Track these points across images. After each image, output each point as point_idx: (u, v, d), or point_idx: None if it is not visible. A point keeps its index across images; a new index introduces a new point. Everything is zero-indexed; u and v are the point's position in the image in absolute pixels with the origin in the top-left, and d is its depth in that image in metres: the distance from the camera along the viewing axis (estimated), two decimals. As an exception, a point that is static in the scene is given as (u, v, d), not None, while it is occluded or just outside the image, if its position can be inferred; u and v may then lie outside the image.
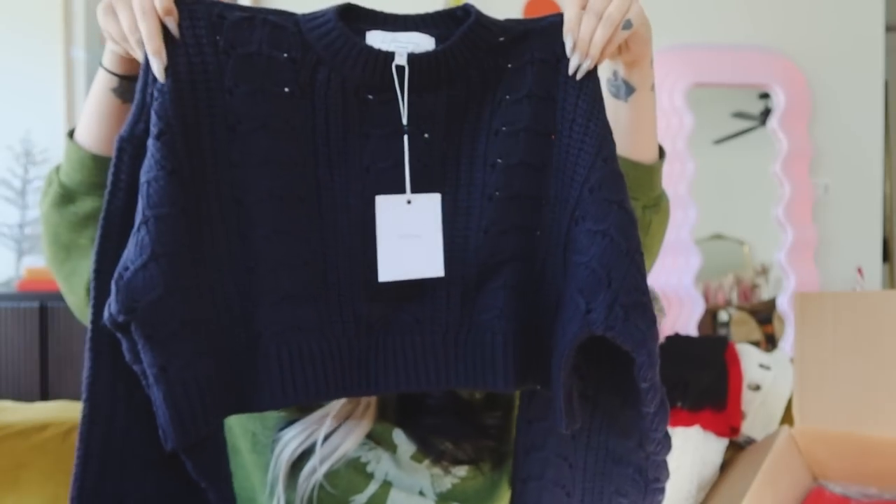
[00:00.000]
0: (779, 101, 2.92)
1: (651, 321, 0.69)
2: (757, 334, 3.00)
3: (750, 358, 1.73)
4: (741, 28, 3.03)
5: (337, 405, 0.87)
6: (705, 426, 1.43)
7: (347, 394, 0.77)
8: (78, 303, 0.83)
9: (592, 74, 0.75)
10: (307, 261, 0.71)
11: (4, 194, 2.53)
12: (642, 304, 0.68)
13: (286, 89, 0.69)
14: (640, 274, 0.68)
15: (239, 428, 0.90)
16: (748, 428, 1.47)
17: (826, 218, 3.06)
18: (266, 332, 0.70)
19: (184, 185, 0.65)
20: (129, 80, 0.74)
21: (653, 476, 0.75)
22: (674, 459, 1.39)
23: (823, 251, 3.02)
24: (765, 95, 3.03)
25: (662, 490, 0.76)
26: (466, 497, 0.89)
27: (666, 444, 0.73)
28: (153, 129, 0.65)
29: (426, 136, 0.72)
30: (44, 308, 2.28)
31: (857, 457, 1.19)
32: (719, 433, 1.43)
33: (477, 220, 0.74)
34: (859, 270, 3.04)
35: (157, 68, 0.67)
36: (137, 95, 0.68)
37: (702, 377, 1.48)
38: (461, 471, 0.89)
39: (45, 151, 2.57)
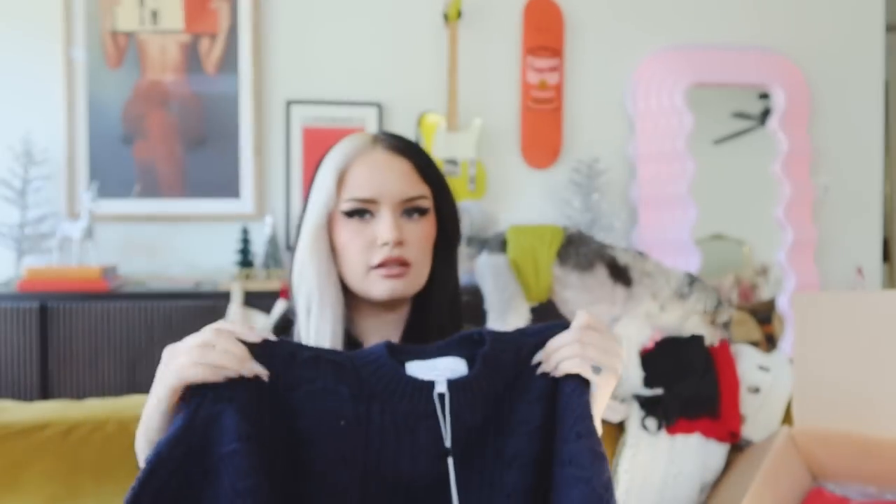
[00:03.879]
0: (779, 101, 2.92)
1: None
2: (757, 334, 3.00)
3: (749, 360, 1.72)
4: (741, 28, 3.03)
5: None
6: (705, 433, 1.43)
7: None
8: None
9: (585, 391, 0.81)
10: None
11: (4, 194, 2.53)
12: None
13: (342, 422, 0.77)
14: None
15: None
16: (748, 431, 1.46)
17: (826, 218, 3.06)
18: None
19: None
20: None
21: None
22: (676, 465, 1.39)
23: (823, 251, 3.02)
24: (765, 95, 3.03)
25: None
26: None
27: None
28: (229, 447, 0.71)
29: (468, 455, 0.78)
30: (44, 308, 2.29)
31: (857, 457, 1.19)
32: (719, 439, 1.42)
33: None
34: (859, 270, 3.04)
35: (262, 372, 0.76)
36: (184, 420, 0.73)
37: (688, 386, 1.47)
38: None
39: (45, 151, 2.57)
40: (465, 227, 1.44)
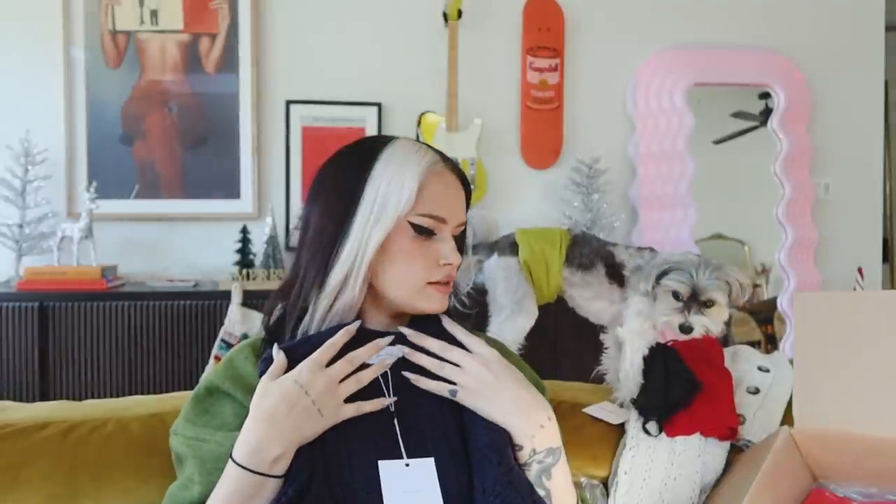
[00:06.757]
0: (779, 101, 2.92)
1: None
2: (757, 334, 3.00)
3: (748, 360, 1.72)
4: (741, 28, 3.03)
5: None
6: (705, 432, 1.43)
7: None
8: None
9: None
10: None
11: (4, 194, 2.53)
12: None
13: None
14: None
15: None
16: (748, 432, 1.46)
17: (826, 218, 3.05)
18: None
19: None
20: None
21: None
22: (676, 466, 1.39)
23: (823, 251, 3.02)
24: (765, 95, 3.03)
25: None
26: None
27: None
28: None
29: (412, 418, 0.96)
30: (43, 308, 2.28)
31: (858, 457, 1.19)
32: (719, 436, 1.42)
33: (478, 477, 0.91)
34: (859, 270, 3.03)
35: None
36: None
37: (675, 390, 1.48)
38: None
39: (45, 151, 2.57)
40: (469, 236, 1.43)
